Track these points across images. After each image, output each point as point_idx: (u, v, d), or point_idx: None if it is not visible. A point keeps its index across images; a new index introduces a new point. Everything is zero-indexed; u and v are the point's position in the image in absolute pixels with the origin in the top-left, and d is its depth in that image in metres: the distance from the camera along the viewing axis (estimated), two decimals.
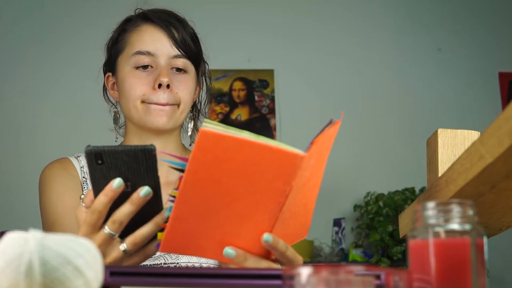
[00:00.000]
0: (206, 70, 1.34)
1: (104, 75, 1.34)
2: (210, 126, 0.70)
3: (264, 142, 0.71)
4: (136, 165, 0.78)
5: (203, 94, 1.36)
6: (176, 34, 1.23)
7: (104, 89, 1.35)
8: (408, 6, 3.66)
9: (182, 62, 1.23)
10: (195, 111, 1.34)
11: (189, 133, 1.32)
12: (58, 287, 0.53)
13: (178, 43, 1.22)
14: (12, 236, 0.54)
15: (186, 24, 1.27)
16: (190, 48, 1.24)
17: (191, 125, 1.32)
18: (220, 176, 0.73)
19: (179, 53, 1.23)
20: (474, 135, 0.93)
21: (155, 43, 1.22)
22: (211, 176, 0.73)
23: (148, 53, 1.21)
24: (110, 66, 1.31)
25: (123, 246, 0.84)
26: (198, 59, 1.27)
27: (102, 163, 0.78)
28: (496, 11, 3.68)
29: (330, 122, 0.76)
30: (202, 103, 1.36)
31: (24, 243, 0.53)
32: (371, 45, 3.59)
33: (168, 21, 1.24)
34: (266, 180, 0.73)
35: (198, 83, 1.31)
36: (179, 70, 1.23)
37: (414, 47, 3.61)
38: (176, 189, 0.75)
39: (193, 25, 1.30)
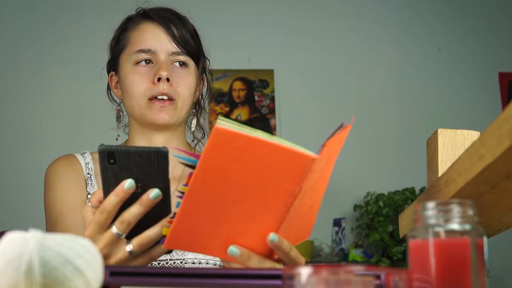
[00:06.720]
0: (208, 66, 1.35)
1: (108, 74, 1.35)
2: (224, 124, 0.69)
3: (277, 142, 0.71)
4: (148, 166, 0.78)
5: (205, 91, 1.37)
6: (175, 31, 1.25)
7: (108, 88, 1.36)
8: (408, 6, 3.66)
9: (182, 58, 1.25)
10: (198, 108, 1.35)
11: (192, 129, 1.33)
12: (58, 287, 0.53)
13: (177, 40, 1.25)
14: (12, 236, 0.54)
15: (186, 21, 1.29)
16: (190, 44, 1.26)
17: (194, 122, 1.33)
18: (231, 174, 0.73)
19: (179, 49, 1.25)
20: (474, 135, 0.93)
21: (155, 40, 1.24)
22: (222, 174, 0.73)
23: (149, 51, 1.24)
24: (113, 64, 1.33)
25: (129, 247, 0.84)
26: (198, 55, 1.29)
27: (114, 163, 0.78)
28: (496, 11, 3.68)
29: (341, 126, 0.76)
30: (204, 99, 1.37)
31: (24, 243, 0.53)
32: (371, 45, 3.59)
33: (167, 18, 1.26)
34: (277, 180, 0.73)
35: (201, 79, 1.33)
36: (180, 64, 1.25)
37: (414, 47, 3.61)
38: (185, 185, 0.75)
39: (193, 23, 1.31)
